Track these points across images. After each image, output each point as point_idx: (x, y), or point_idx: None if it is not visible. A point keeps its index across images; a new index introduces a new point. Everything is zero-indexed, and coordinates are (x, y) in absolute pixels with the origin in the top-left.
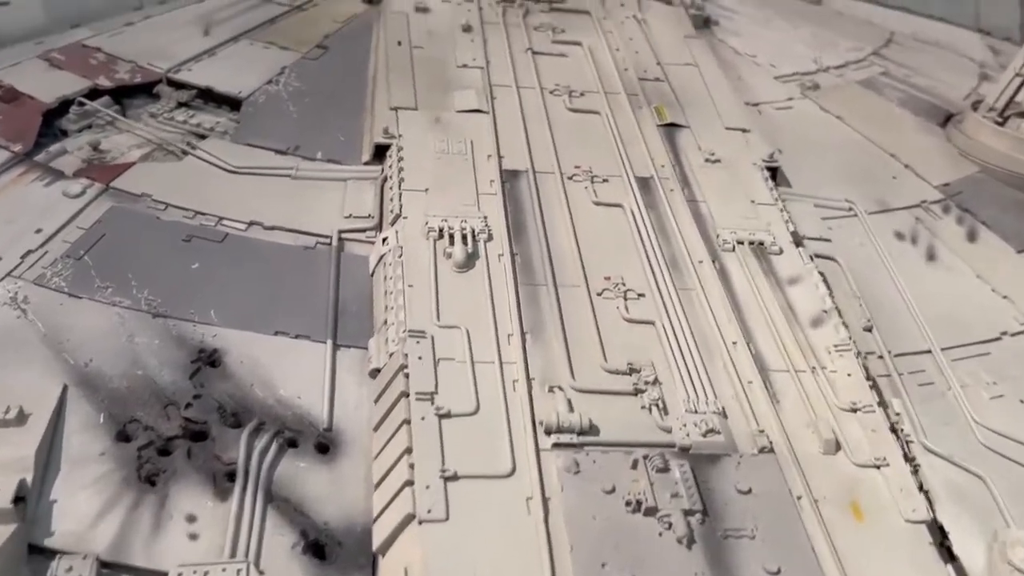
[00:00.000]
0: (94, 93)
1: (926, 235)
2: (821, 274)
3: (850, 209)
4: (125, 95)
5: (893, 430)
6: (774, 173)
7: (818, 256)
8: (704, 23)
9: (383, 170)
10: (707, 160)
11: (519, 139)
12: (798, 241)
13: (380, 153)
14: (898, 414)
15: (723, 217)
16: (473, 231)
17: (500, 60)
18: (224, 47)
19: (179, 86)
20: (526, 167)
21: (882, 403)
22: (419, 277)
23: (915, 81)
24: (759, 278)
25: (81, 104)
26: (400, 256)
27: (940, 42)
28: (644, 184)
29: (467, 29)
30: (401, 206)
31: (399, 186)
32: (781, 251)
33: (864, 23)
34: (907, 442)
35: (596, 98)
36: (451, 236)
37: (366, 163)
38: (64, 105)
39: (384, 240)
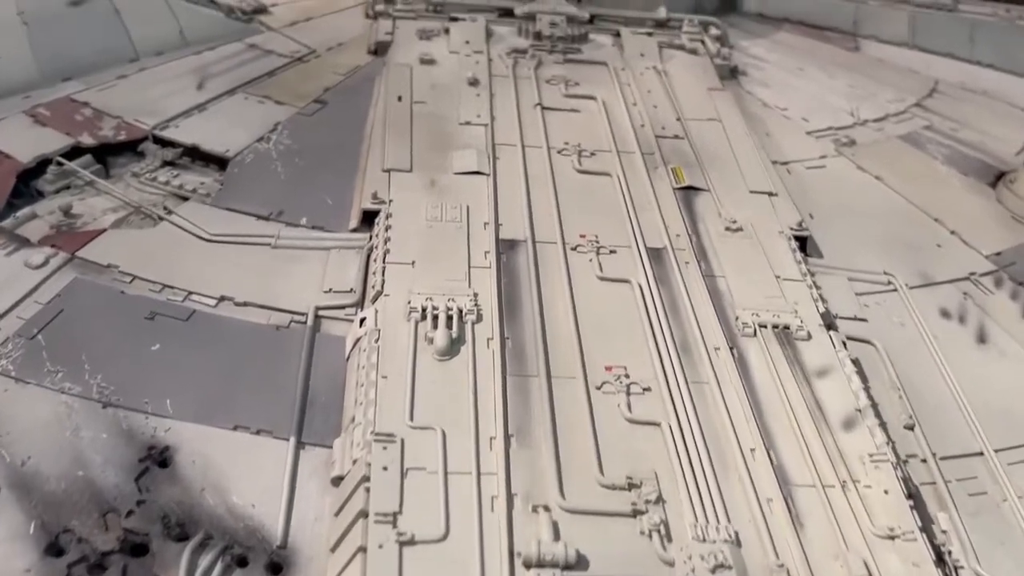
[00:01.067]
0: (77, 151)
1: (976, 313)
2: (855, 362)
3: (889, 283)
4: (110, 153)
5: (939, 558)
6: (803, 243)
7: (852, 339)
8: (731, 73)
9: (370, 239)
10: (728, 228)
11: (520, 204)
12: (829, 323)
13: (369, 220)
14: (944, 531)
15: (744, 295)
16: (460, 311)
17: (506, 116)
18: (217, 101)
19: (165, 144)
20: (525, 236)
21: (925, 528)
22: (395, 366)
23: (962, 135)
24: (783, 369)
25: (59, 164)
26: (377, 341)
27: (989, 91)
28: (656, 256)
29: (473, 83)
30: (383, 282)
31: (383, 259)
32: (809, 336)
33: (906, 71)
34: (956, 568)
35: (608, 158)
36: (435, 318)
37: (353, 230)
38: (44, 164)
39: (362, 321)
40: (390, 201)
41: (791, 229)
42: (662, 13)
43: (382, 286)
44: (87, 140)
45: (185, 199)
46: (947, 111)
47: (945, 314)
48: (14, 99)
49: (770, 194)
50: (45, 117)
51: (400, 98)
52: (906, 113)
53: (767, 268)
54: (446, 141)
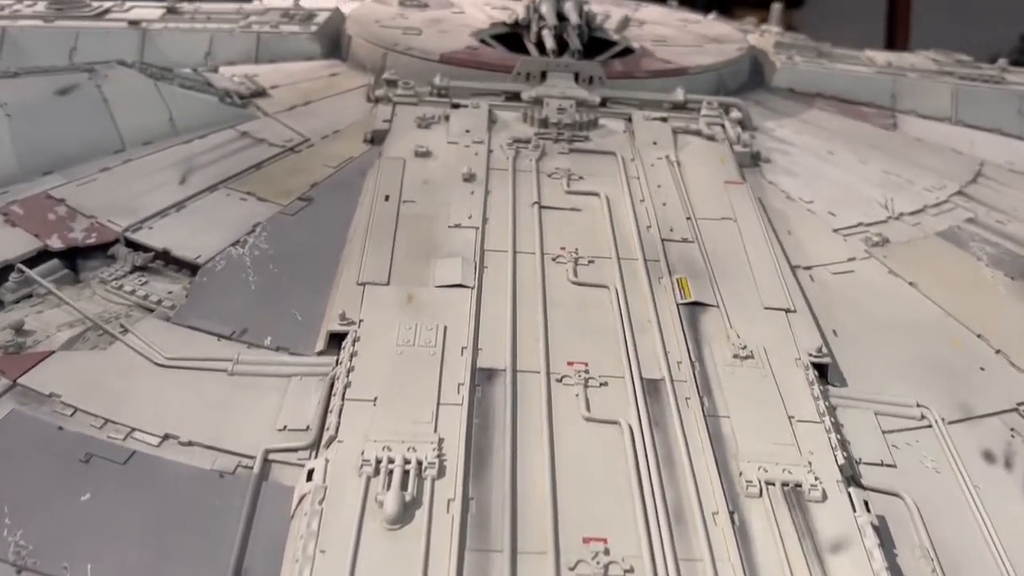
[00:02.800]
0: (45, 255)
1: None
2: (878, 529)
3: (923, 417)
4: (82, 255)
5: None
6: (824, 370)
7: (877, 491)
8: (753, 160)
9: (335, 365)
10: (736, 356)
11: (504, 325)
12: (850, 475)
13: (339, 341)
14: None
15: (750, 442)
16: (420, 464)
17: (500, 217)
18: (198, 198)
19: (137, 247)
20: (506, 364)
21: None
22: (337, 537)
23: (1011, 230)
24: (791, 541)
25: (21, 271)
26: (321, 502)
27: None
28: (652, 389)
29: (469, 178)
30: (339, 424)
31: (343, 394)
32: (824, 496)
33: (947, 152)
34: None
35: (607, 266)
36: (389, 473)
37: (320, 353)
38: (7, 270)
39: (309, 474)
40: (360, 321)
41: (809, 356)
42: (680, 95)
43: (336, 429)
44: (55, 244)
45: (151, 310)
46: (993, 200)
47: (988, 457)
48: None
49: (787, 311)
50: (17, 216)
51: (388, 197)
52: (947, 203)
53: (779, 407)
54: (432, 247)
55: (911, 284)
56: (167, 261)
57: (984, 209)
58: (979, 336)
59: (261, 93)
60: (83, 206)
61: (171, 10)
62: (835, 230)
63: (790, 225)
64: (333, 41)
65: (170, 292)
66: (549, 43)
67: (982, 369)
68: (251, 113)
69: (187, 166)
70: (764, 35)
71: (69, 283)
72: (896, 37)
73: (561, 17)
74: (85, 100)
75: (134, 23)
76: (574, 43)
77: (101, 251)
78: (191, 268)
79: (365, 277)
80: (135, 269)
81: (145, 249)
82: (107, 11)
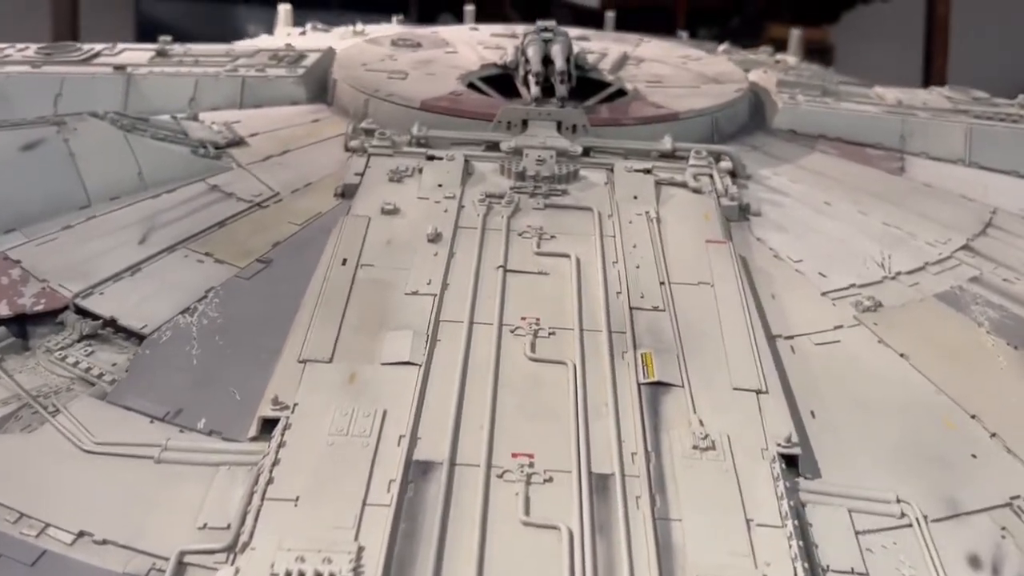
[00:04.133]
0: None
1: (1017, 560)
2: None
3: (903, 515)
4: (31, 321)
5: None
6: (794, 461)
7: None
8: (741, 213)
9: (263, 456)
10: (696, 447)
11: (448, 410)
12: None
13: (272, 426)
14: None
15: (701, 552)
16: None
17: (461, 283)
18: (154, 260)
19: (87, 314)
20: (443, 457)
21: None
22: None
23: (1018, 290)
24: None
25: None
26: None
27: None
28: (601, 485)
29: (434, 239)
30: (254, 527)
31: (264, 492)
32: None
33: (957, 199)
34: None
35: (568, 339)
36: None
37: (252, 439)
38: None
39: None
40: (294, 406)
41: (778, 446)
42: (667, 144)
43: (251, 534)
44: (3, 310)
45: (92, 383)
46: (1002, 254)
47: (974, 562)
48: None
49: (758, 392)
50: None
51: (345, 261)
52: (950, 259)
53: (738, 508)
54: (384, 317)
55: (902, 355)
56: (116, 329)
57: (991, 266)
58: (973, 417)
59: (238, 142)
60: (37, 268)
61: (160, 53)
62: (823, 293)
63: (775, 288)
64: (321, 84)
65: (114, 364)
66: (533, 90)
67: (974, 456)
68: (224, 165)
69: (150, 224)
70: (768, 72)
71: (16, 351)
72: (934, 51)
73: (548, 61)
74: (51, 155)
75: (119, 68)
76: (559, 90)
77: (51, 317)
78: (139, 337)
79: (307, 354)
80: (83, 338)
81: (94, 316)
82: (97, 55)
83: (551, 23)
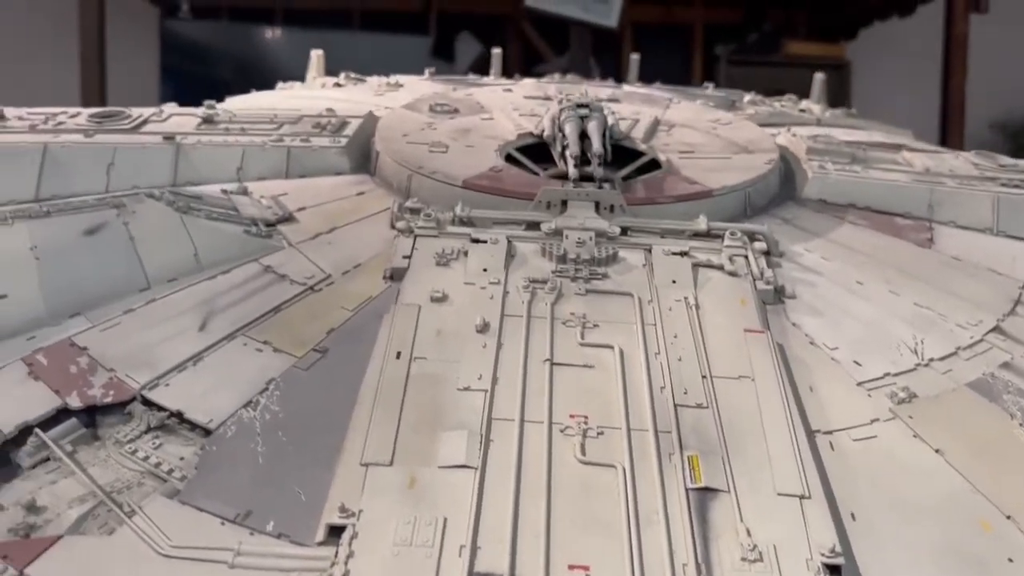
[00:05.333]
0: (65, 411)
1: None
2: None
3: None
4: (100, 411)
5: None
6: (838, 570)
7: None
8: (776, 296)
9: (331, 565)
10: (745, 558)
11: (505, 519)
12: None
13: (340, 531)
14: None
15: None
16: None
17: (511, 377)
18: (215, 349)
19: (153, 405)
20: (503, 570)
21: None
22: None
23: None
24: None
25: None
26: None
27: None
28: None
29: (482, 329)
30: None
31: None
32: None
33: (985, 274)
34: None
35: (617, 439)
36: None
37: (320, 544)
38: (28, 431)
39: None
40: (359, 512)
41: (822, 555)
42: (702, 224)
43: None
44: (75, 402)
45: (163, 480)
46: None
47: None
48: (18, 340)
49: (802, 497)
50: (40, 368)
51: (399, 354)
52: (981, 343)
53: None
54: (439, 415)
55: (937, 451)
56: (182, 420)
57: (1021, 349)
58: (1008, 517)
59: (287, 219)
60: (104, 356)
61: (207, 120)
62: (859, 383)
63: (812, 379)
64: (363, 153)
65: (182, 458)
66: (571, 172)
67: (1010, 560)
68: (275, 244)
69: (208, 309)
70: (796, 136)
71: (86, 442)
72: (952, 68)
73: (584, 135)
74: (112, 239)
75: (169, 137)
76: (596, 173)
77: (120, 407)
78: (205, 430)
79: (368, 456)
80: (150, 429)
81: (160, 407)
82: (146, 121)
83: (587, 99)
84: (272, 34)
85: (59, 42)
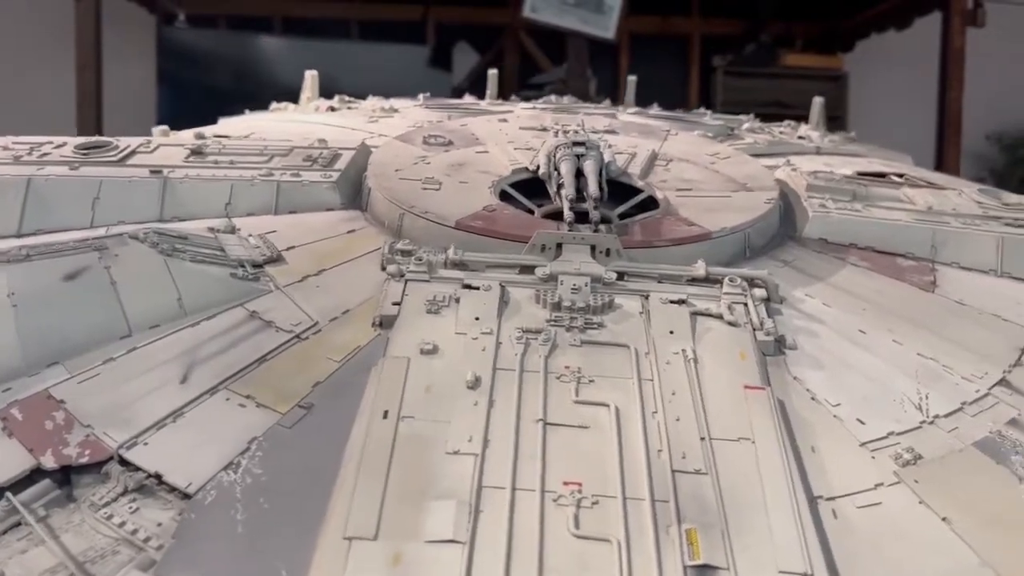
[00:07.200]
0: (39, 471)
1: None
2: None
3: None
4: (74, 470)
5: None
6: None
7: None
8: (776, 347)
9: None
10: None
11: None
12: None
13: None
14: None
15: None
16: None
17: (502, 439)
18: (197, 404)
19: (131, 464)
20: None
21: None
22: None
23: None
24: None
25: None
26: None
27: None
28: None
29: (473, 385)
30: None
31: None
32: None
33: (990, 320)
34: None
35: (612, 509)
36: None
37: None
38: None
39: None
40: None
41: None
42: (700, 269)
43: None
44: (49, 462)
45: (141, 548)
46: None
47: None
48: None
49: (804, 575)
50: (15, 424)
51: (386, 413)
52: (987, 397)
53: None
54: (426, 482)
55: (944, 520)
56: (160, 481)
57: None
58: None
59: (275, 259)
60: (81, 411)
61: (195, 151)
62: (863, 444)
63: (814, 439)
64: (355, 187)
65: (159, 524)
66: (567, 215)
67: None
68: (262, 287)
69: (190, 359)
70: (796, 171)
71: (60, 504)
72: (949, 80)
73: (580, 174)
74: (93, 284)
75: (155, 171)
76: (593, 216)
77: (96, 467)
78: (184, 494)
79: (352, 530)
80: (127, 491)
81: (138, 468)
82: (133, 152)
83: (584, 137)
84: (270, 43)
85: (56, 50)
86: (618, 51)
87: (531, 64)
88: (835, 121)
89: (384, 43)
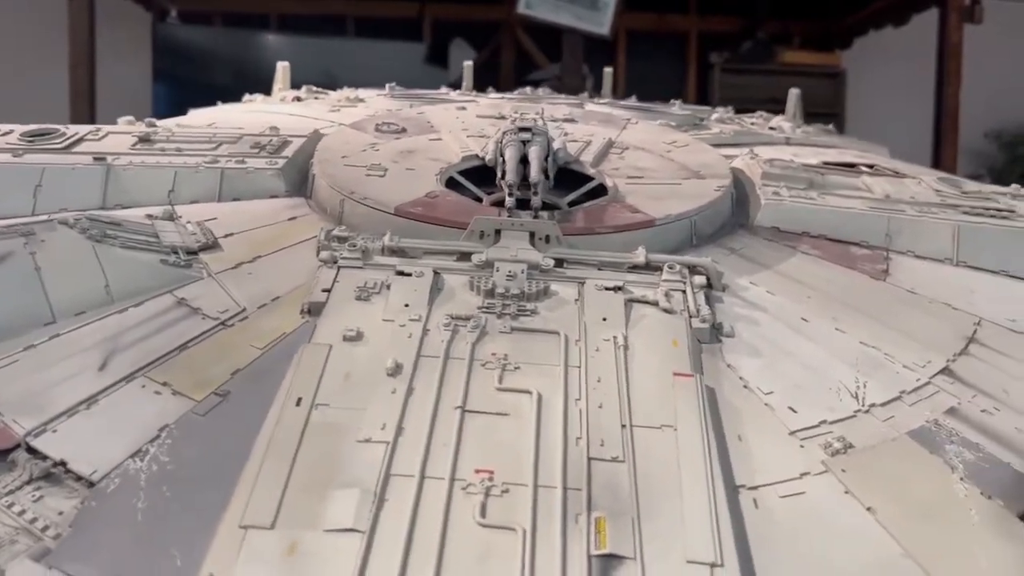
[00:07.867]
0: None
1: None
2: None
3: None
4: None
5: None
6: None
7: None
8: (713, 334)
9: None
10: None
11: None
12: None
13: None
14: None
15: None
16: None
17: (417, 427)
18: (112, 391)
19: (38, 453)
20: None
21: None
22: None
23: (995, 424)
24: None
25: None
26: None
27: None
28: None
29: (393, 372)
30: None
31: None
32: None
33: (940, 309)
34: None
35: (522, 498)
36: None
37: None
38: None
39: None
40: None
41: None
42: (640, 256)
43: None
44: None
45: (38, 538)
46: (983, 378)
47: None
48: None
49: (713, 565)
50: None
51: (299, 401)
52: (928, 386)
53: None
54: (333, 471)
55: (868, 509)
56: (67, 469)
57: (970, 393)
58: None
59: (211, 246)
60: None
61: (143, 139)
62: (792, 432)
63: (742, 427)
64: (302, 174)
65: (61, 513)
66: (507, 201)
67: None
68: (194, 274)
69: (112, 346)
70: (754, 160)
71: None
72: (947, 76)
73: (525, 160)
74: (17, 270)
75: (99, 158)
76: (534, 202)
77: (4, 455)
78: (90, 482)
79: (249, 518)
80: (32, 480)
81: (44, 456)
82: (80, 140)
83: (531, 122)
84: (266, 39)
85: (51, 47)
86: (614, 48)
87: (528, 61)
88: (833, 118)
89: (380, 40)
